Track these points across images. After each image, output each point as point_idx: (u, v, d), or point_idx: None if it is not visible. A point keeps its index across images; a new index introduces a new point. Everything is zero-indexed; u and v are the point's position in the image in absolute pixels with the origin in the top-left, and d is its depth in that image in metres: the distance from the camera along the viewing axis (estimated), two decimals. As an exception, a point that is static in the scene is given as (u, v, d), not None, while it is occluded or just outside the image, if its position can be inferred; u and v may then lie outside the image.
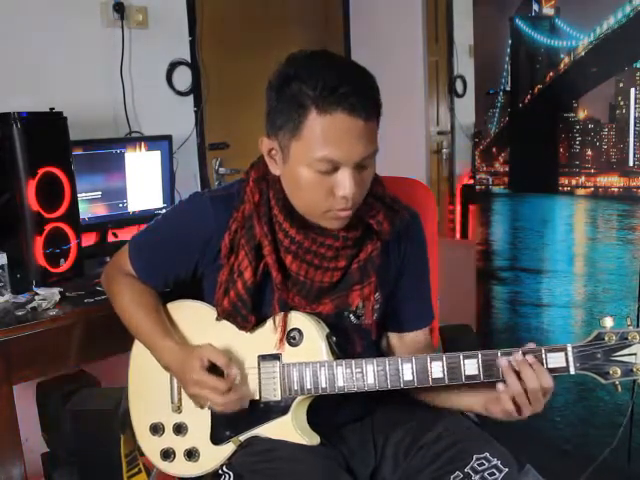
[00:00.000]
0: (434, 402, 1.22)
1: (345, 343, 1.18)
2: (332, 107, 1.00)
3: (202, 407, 1.18)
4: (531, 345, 1.07)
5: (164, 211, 2.20)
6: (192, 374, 1.13)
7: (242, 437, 1.17)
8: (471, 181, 3.79)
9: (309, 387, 1.13)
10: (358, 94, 1.01)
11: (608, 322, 1.03)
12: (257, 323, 1.18)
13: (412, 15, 3.06)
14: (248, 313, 1.16)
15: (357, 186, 1.06)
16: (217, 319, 1.20)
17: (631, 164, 1.97)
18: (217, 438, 1.19)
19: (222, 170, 2.68)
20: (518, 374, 1.04)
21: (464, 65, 3.65)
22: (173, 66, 2.53)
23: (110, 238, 2.18)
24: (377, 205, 1.17)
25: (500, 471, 1.08)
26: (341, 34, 3.31)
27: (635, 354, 1.02)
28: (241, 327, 1.18)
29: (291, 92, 1.03)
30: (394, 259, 1.25)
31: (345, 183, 1.05)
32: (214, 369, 1.13)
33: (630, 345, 1.02)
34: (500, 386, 1.06)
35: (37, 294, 1.62)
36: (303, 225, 1.13)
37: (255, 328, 1.18)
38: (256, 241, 1.15)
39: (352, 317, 1.22)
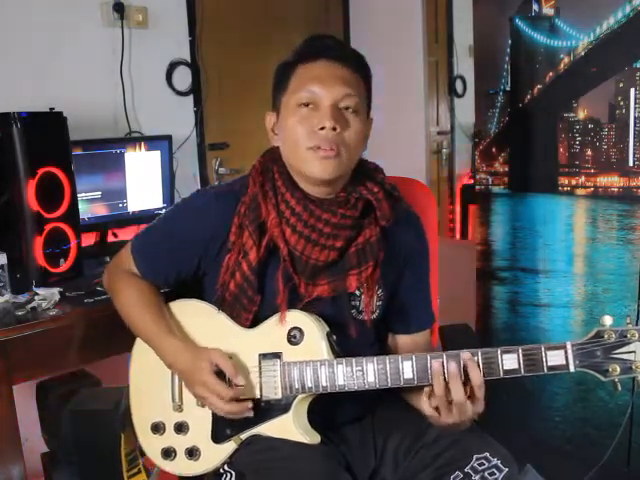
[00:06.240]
0: (409, 402, 1.23)
1: (341, 328, 1.18)
2: (313, 57, 1.15)
3: (203, 406, 1.19)
4: None
5: (165, 210, 2.20)
6: (200, 376, 1.13)
7: (243, 436, 1.18)
8: (471, 181, 3.79)
9: (310, 385, 1.13)
10: (340, 46, 1.19)
11: (607, 320, 1.03)
12: (260, 308, 1.19)
13: (412, 15, 3.06)
14: (254, 293, 1.17)
15: (339, 126, 1.11)
16: (219, 310, 1.21)
17: (631, 164, 1.97)
18: (218, 437, 1.19)
19: (222, 170, 2.68)
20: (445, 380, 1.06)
21: (464, 65, 3.64)
22: (173, 66, 2.52)
23: (110, 238, 2.18)
24: (377, 187, 1.20)
25: (500, 471, 1.08)
26: (341, 34, 3.30)
27: (634, 352, 1.02)
28: (247, 310, 1.19)
29: (284, 63, 1.19)
30: (395, 260, 1.25)
31: (325, 116, 1.12)
32: (220, 373, 1.14)
33: (629, 343, 1.02)
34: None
35: (37, 294, 1.62)
36: (303, 196, 1.16)
37: (255, 326, 1.19)
38: (260, 220, 1.17)
39: (353, 312, 1.22)
